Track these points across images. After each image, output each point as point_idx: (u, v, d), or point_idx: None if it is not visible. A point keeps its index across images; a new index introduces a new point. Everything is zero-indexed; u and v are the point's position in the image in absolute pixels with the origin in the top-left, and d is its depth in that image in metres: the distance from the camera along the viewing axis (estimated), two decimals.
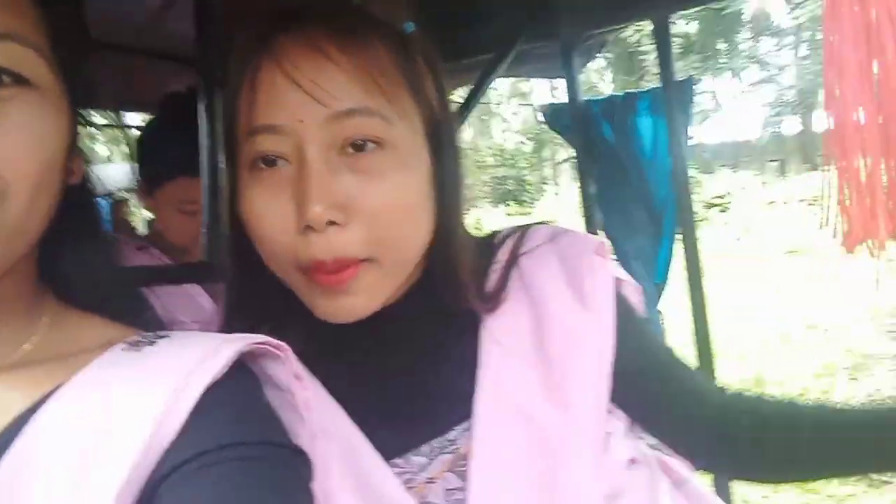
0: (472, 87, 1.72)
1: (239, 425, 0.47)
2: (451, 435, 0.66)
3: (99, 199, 0.61)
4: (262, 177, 0.61)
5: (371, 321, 0.64)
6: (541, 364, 0.67)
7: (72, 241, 0.56)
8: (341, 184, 0.58)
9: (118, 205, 4.17)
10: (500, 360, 0.67)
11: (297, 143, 0.59)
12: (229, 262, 0.69)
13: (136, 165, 1.39)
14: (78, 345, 0.52)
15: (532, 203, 18.24)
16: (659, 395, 0.71)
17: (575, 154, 1.73)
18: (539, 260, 0.71)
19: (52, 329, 0.54)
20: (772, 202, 13.29)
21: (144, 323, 0.57)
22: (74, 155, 0.55)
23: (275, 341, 0.53)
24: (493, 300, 0.69)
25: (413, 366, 0.69)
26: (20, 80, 0.45)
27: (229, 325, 0.68)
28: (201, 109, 1.01)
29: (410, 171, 0.62)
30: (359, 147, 0.59)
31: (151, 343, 0.51)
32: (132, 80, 2.24)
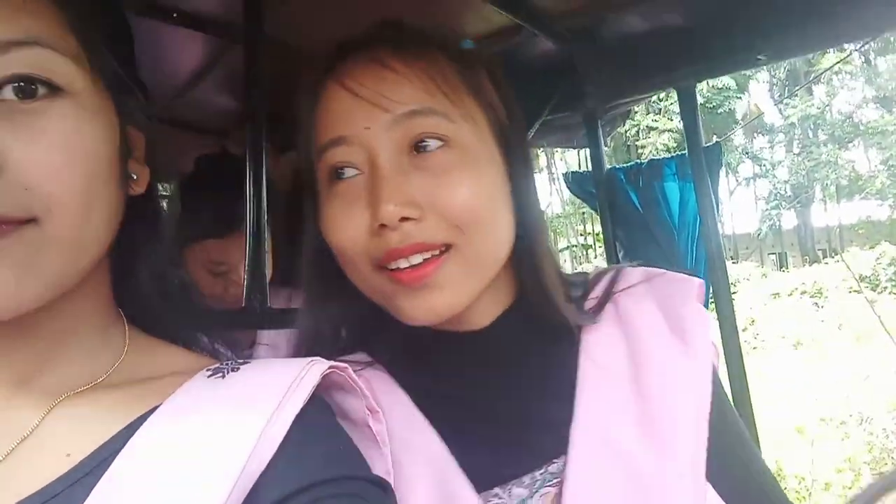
0: None
1: (333, 459, 0.48)
2: (553, 468, 0.62)
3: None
4: (337, 190, 0.63)
5: (469, 342, 0.64)
6: (637, 398, 0.64)
7: (140, 256, 0.54)
8: (412, 183, 0.60)
9: None
10: (597, 385, 0.65)
11: (366, 150, 0.61)
12: (311, 289, 0.70)
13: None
14: (158, 371, 0.52)
15: None
16: (740, 473, 0.68)
17: (601, 221, 1.73)
18: (636, 298, 0.70)
19: (131, 352, 0.53)
20: (775, 294, 13.29)
21: (213, 353, 0.57)
22: (134, 162, 0.53)
23: (352, 374, 0.53)
24: (589, 314, 0.69)
25: (513, 390, 0.66)
26: (53, 89, 0.44)
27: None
28: (249, 165, 1.02)
29: (480, 170, 0.62)
30: (425, 147, 0.61)
31: (234, 370, 0.50)
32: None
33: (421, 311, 0.60)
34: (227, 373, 0.50)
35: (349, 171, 0.62)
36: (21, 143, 0.41)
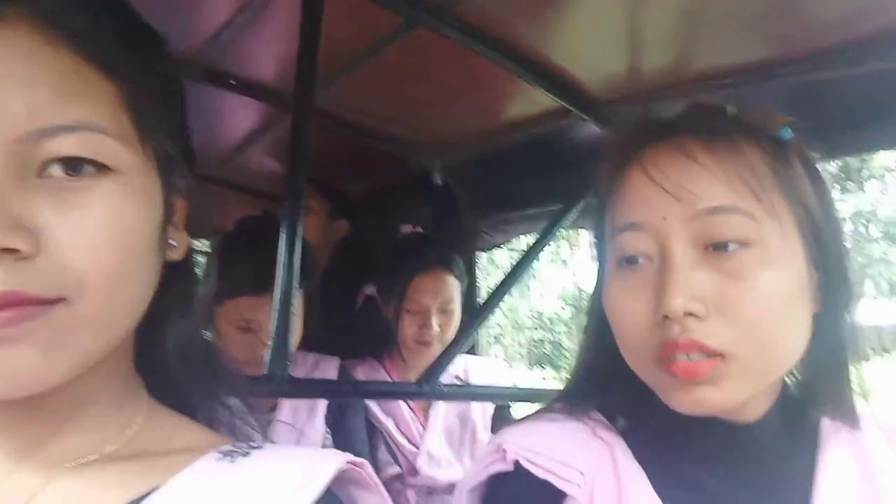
0: (539, 236, 1.72)
1: None
2: None
3: None
4: (626, 274, 0.63)
5: (732, 433, 0.63)
6: None
7: (169, 323, 0.53)
8: (703, 280, 0.58)
9: None
10: (834, 495, 0.63)
11: (659, 240, 0.60)
12: (584, 357, 0.72)
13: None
14: (168, 446, 0.49)
15: (567, 368, 17.87)
16: None
17: None
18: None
19: (144, 425, 0.50)
20: None
21: (232, 429, 0.55)
22: (173, 229, 0.51)
23: (370, 471, 0.51)
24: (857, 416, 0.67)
25: (757, 488, 0.64)
26: (101, 168, 0.43)
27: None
28: (284, 231, 1.03)
29: (780, 271, 0.59)
30: (723, 247, 0.59)
31: (245, 454, 0.48)
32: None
33: (691, 405, 0.59)
34: (237, 457, 0.47)
35: (640, 259, 0.61)
36: (64, 220, 0.41)
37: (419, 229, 1.77)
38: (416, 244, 1.64)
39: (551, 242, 1.70)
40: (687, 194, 0.59)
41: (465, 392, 1.29)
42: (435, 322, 1.53)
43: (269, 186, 2.18)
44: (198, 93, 1.53)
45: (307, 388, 1.11)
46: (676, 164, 0.60)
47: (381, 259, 1.71)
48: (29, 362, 0.40)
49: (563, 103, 1.42)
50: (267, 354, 0.96)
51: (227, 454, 0.48)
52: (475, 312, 1.59)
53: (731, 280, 0.58)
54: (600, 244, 0.69)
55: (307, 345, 1.44)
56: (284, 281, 1.01)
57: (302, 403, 1.40)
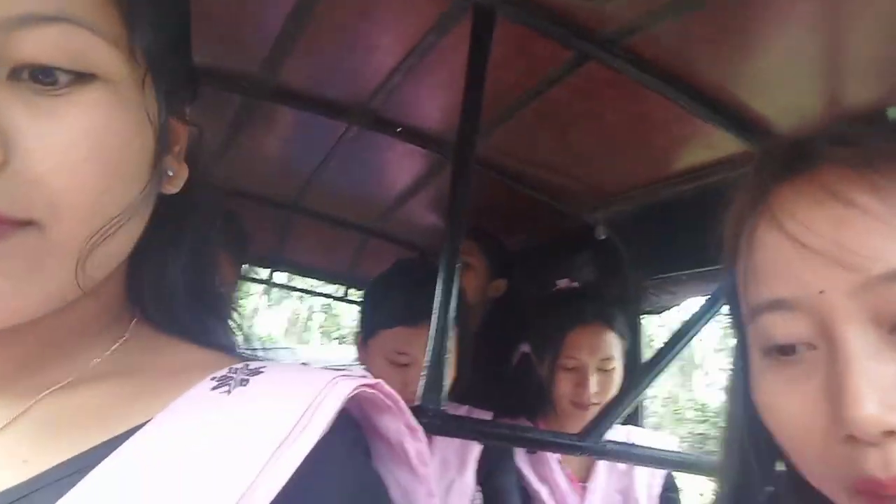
0: (710, 297, 1.55)
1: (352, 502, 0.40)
2: None
3: None
4: (780, 368, 0.46)
5: None
6: None
7: (164, 259, 0.47)
8: (894, 377, 0.41)
9: None
10: None
11: (819, 322, 0.43)
12: (729, 456, 0.55)
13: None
14: (158, 365, 0.45)
15: None
16: None
17: None
18: None
19: (130, 342, 0.46)
20: None
21: (229, 346, 0.50)
22: (172, 158, 0.46)
23: (387, 388, 0.46)
24: None
25: None
26: (82, 76, 0.37)
27: None
28: (441, 282, 1.01)
29: None
30: None
31: (243, 382, 0.42)
32: (330, 251, 2.42)
33: None
34: (235, 386, 0.41)
35: (797, 349, 0.45)
36: (36, 129, 0.36)
37: (576, 284, 1.67)
38: (574, 297, 1.55)
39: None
40: (849, 255, 0.41)
41: (631, 452, 1.14)
42: (593, 381, 1.41)
43: (428, 241, 2.21)
44: (365, 140, 1.59)
45: (459, 426, 1.04)
46: (823, 211, 0.43)
47: (535, 313, 1.63)
48: None
49: (748, 146, 1.28)
50: (420, 386, 0.93)
51: (222, 382, 0.42)
52: (638, 377, 1.45)
53: None
54: (737, 323, 0.51)
55: (459, 399, 1.39)
56: (441, 311, 0.97)
57: (452, 455, 1.33)
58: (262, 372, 0.43)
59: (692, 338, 1.19)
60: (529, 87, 1.29)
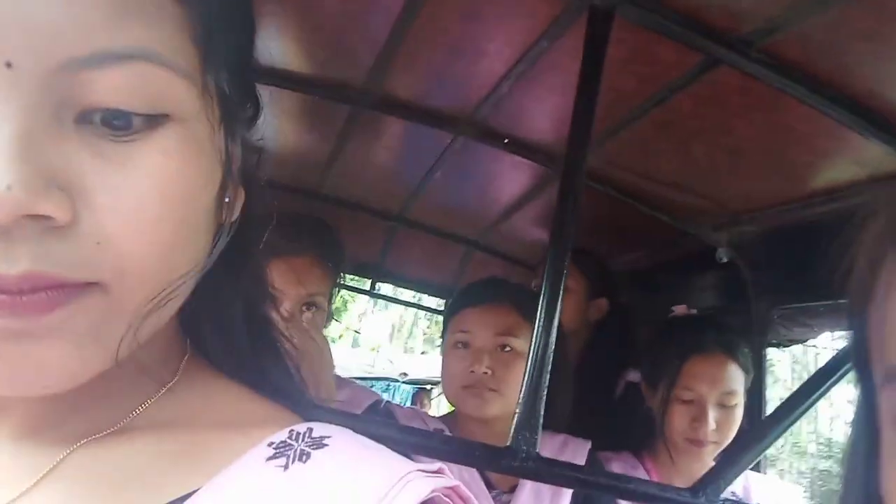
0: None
1: None
2: None
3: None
4: None
5: None
6: None
7: (216, 286, 0.42)
8: None
9: (420, 393, 4.36)
10: None
11: None
12: None
13: None
14: (207, 416, 0.41)
15: None
16: None
17: None
18: None
19: (180, 383, 0.42)
20: None
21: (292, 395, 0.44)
22: (230, 184, 0.41)
23: (464, 491, 0.39)
24: None
25: None
26: (155, 118, 0.33)
27: None
28: (542, 301, 0.96)
29: None
30: None
31: (303, 458, 0.37)
32: (435, 263, 2.38)
33: None
34: (293, 459, 0.37)
35: None
36: (104, 181, 0.32)
37: (694, 311, 1.54)
38: (693, 323, 1.42)
39: None
40: None
41: None
42: (712, 417, 1.28)
43: (529, 256, 2.13)
44: (472, 151, 1.54)
45: (555, 471, 0.95)
46: None
47: (649, 340, 1.51)
48: (58, 359, 0.32)
49: None
50: (512, 425, 0.86)
51: (279, 451, 0.37)
52: (761, 420, 1.30)
53: None
54: (864, 379, 0.42)
55: (556, 428, 1.30)
56: (540, 340, 0.90)
57: (545, 489, 1.24)
58: (325, 445, 0.38)
59: (839, 380, 1.03)
60: (647, 95, 1.19)
